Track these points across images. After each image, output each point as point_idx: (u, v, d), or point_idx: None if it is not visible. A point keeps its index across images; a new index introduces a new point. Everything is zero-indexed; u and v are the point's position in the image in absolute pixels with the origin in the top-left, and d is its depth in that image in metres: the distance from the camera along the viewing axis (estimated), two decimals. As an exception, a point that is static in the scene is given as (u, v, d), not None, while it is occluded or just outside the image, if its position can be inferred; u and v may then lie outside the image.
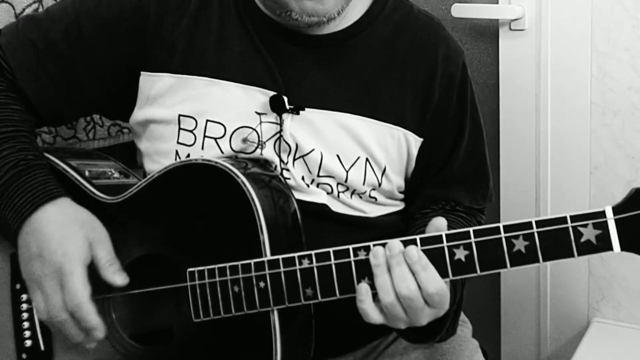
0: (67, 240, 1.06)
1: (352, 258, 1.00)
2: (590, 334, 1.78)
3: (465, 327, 1.33)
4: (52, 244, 1.06)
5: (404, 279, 0.97)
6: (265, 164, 1.16)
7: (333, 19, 1.14)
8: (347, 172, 1.18)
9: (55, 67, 1.18)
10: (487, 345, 1.41)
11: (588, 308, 1.83)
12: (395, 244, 0.98)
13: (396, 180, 1.23)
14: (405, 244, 0.98)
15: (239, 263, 1.03)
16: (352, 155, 1.18)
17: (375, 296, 0.99)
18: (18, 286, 1.14)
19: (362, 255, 1.00)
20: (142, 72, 1.18)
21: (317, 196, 1.18)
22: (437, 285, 0.97)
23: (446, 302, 1.00)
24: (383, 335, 1.29)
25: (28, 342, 1.13)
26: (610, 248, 0.94)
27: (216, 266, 1.04)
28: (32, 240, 1.07)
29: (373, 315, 1.00)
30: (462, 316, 1.35)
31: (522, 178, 1.82)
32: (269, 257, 1.02)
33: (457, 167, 1.26)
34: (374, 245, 0.99)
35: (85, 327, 1.05)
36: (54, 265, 1.05)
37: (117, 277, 1.07)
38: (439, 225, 1.01)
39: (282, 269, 1.02)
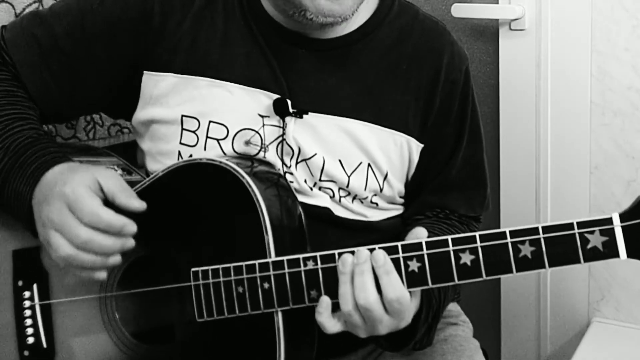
0: (71, 177, 1.02)
1: None
2: (590, 334, 1.78)
3: (465, 327, 1.33)
4: (55, 184, 1.02)
5: (364, 288, 0.97)
6: (269, 164, 1.15)
7: (346, 20, 1.13)
8: (348, 177, 1.18)
9: (58, 63, 1.17)
10: (487, 345, 1.40)
11: (588, 308, 1.83)
12: (363, 252, 0.98)
13: (397, 186, 1.23)
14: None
15: (243, 263, 1.02)
16: (354, 160, 1.18)
17: (335, 305, 1.00)
18: (20, 283, 1.13)
19: None
20: (145, 72, 1.18)
21: (319, 199, 1.17)
22: (398, 292, 0.98)
23: (406, 312, 1.00)
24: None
25: (30, 340, 1.13)
26: (616, 255, 0.94)
27: (220, 266, 1.04)
28: (40, 194, 1.04)
29: (329, 325, 1.00)
30: (463, 316, 1.35)
31: (522, 178, 1.82)
32: (274, 258, 1.02)
33: (454, 174, 1.25)
34: (340, 253, 1.00)
35: (115, 230, 1.00)
36: (57, 196, 1.01)
37: (134, 201, 1.03)
38: (418, 234, 1.01)
39: (286, 270, 1.01)
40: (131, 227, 1.01)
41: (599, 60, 1.69)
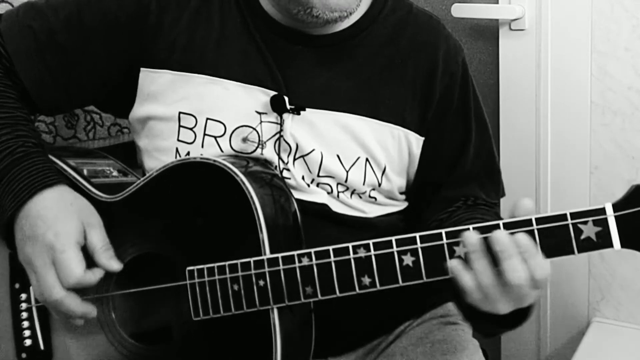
0: (61, 221, 1.06)
1: (351, 255, 1.00)
2: (590, 334, 1.78)
3: (465, 327, 1.33)
4: (45, 223, 1.06)
5: (515, 269, 0.94)
6: (265, 163, 1.15)
7: (350, 15, 1.14)
8: (347, 172, 1.18)
9: (53, 57, 1.17)
10: (487, 345, 1.40)
11: (588, 308, 1.83)
12: (503, 235, 0.94)
13: (396, 180, 1.23)
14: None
15: (238, 261, 1.03)
16: (352, 155, 1.18)
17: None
18: (17, 285, 1.14)
19: (361, 253, 1.00)
20: (141, 68, 1.18)
21: (317, 196, 1.18)
22: (546, 271, 0.94)
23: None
24: (383, 334, 1.29)
25: (27, 342, 1.13)
26: (610, 245, 0.94)
27: (215, 264, 1.04)
28: (26, 223, 1.07)
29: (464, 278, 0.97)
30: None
31: (522, 178, 1.82)
32: (269, 255, 1.02)
33: (468, 165, 1.26)
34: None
35: (82, 315, 1.08)
36: (46, 244, 1.05)
37: (112, 262, 1.07)
38: (527, 206, 0.97)
39: (281, 267, 1.02)
40: (94, 313, 1.09)
41: (599, 60, 1.69)
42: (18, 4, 1.23)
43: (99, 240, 1.08)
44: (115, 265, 1.08)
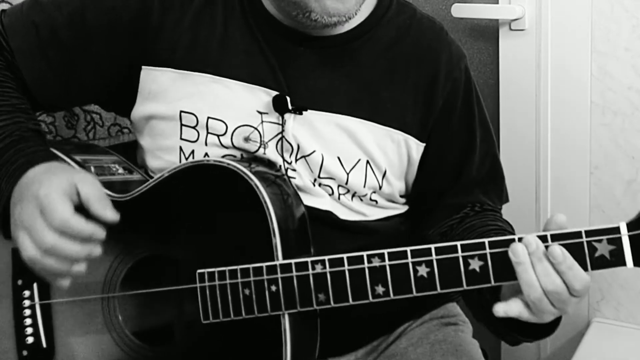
0: (48, 180, 1.02)
1: (366, 265, 1.00)
2: (590, 334, 1.78)
3: (465, 327, 1.33)
4: (32, 185, 1.02)
5: (547, 273, 0.95)
6: (270, 164, 1.16)
7: (349, 19, 1.13)
8: (347, 174, 1.18)
9: (56, 54, 1.17)
10: (487, 345, 1.40)
11: (588, 308, 1.83)
12: (532, 239, 0.95)
13: (396, 184, 1.23)
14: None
15: (250, 266, 1.02)
16: (352, 157, 1.18)
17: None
18: (20, 282, 1.13)
19: (376, 262, 0.99)
20: (143, 67, 1.18)
21: (320, 200, 1.18)
22: (584, 282, 0.95)
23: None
24: (384, 335, 1.29)
25: (29, 339, 1.13)
26: (623, 263, 0.95)
27: (227, 268, 1.03)
28: (18, 192, 1.04)
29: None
30: (463, 316, 1.35)
31: (522, 178, 1.82)
32: (282, 261, 1.02)
33: (473, 172, 1.26)
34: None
35: (83, 237, 0.99)
36: (32, 197, 1.00)
37: (108, 211, 1.02)
38: (560, 222, 0.97)
39: (294, 273, 1.01)
40: (100, 234, 1.00)
41: (599, 60, 1.69)
42: (19, 1, 1.23)
43: (91, 190, 1.02)
44: (110, 215, 1.01)
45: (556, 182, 1.79)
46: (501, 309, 0.98)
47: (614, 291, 1.80)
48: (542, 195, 1.80)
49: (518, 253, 0.95)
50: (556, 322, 1.04)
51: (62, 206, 0.99)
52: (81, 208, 1.01)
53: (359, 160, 1.19)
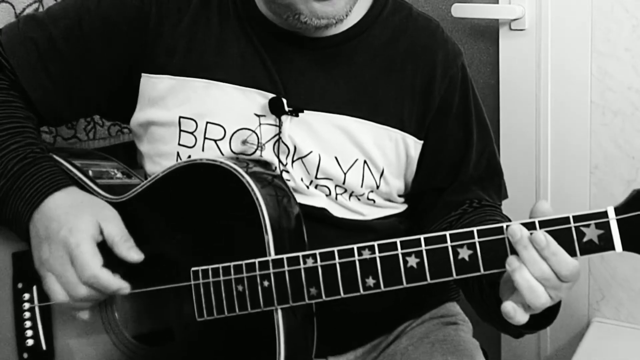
0: (73, 218, 1.06)
1: (356, 257, 1.00)
2: (590, 334, 1.78)
3: (465, 327, 1.33)
4: (58, 222, 1.06)
5: (534, 261, 0.94)
6: (266, 164, 1.16)
7: (340, 21, 1.13)
8: (345, 174, 1.18)
9: (56, 66, 1.18)
10: (487, 345, 1.41)
11: (588, 308, 1.83)
12: (517, 227, 0.95)
13: (394, 183, 1.23)
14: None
15: (243, 262, 1.03)
16: (350, 157, 1.18)
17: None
18: (20, 285, 1.14)
19: (366, 255, 1.00)
20: (142, 74, 1.18)
21: (316, 199, 1.18)
22: (571, 267, 0.95)
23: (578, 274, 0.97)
24: (384, 334, 1.29)
25: (29, 342, 1.13)
26: (612, 248, 0.95)
27: (220, 265, 1.04)
28: (41, 225, 1.07)
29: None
30: (463, 316, 1.35)
31: (522, 178, 1.82)
32: (274, 256, 1.02)
33: (471, 170, 1.26)
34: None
35: (108, 292, 1.05)
36: (61, 243, 1.05)
37: (132, 252, 1.06)
38: (544, 210, 0.97)
39: (286, 268, 1.02)
40: (125, 290, 1.05)
41: (599, 60, 1.69)
42: (20, 7, 1.24)
43: (116, 231, 1.07)
44: (136, 256, 1.06)
45: (556, 182, 1.79)
46: (510, 306, 0.97)
47: (614, 291, 1.80)
48: (542, 195, 1.80)
49: (515, 233, 0.95)
50: (556, 310, 1.05)
51: (93, 262, 1.04)
52: (104, 244, 1.07)
53: (357, 160, 1.19)
